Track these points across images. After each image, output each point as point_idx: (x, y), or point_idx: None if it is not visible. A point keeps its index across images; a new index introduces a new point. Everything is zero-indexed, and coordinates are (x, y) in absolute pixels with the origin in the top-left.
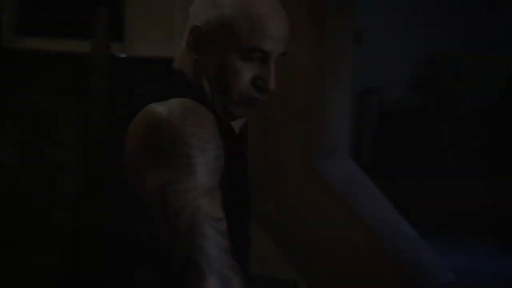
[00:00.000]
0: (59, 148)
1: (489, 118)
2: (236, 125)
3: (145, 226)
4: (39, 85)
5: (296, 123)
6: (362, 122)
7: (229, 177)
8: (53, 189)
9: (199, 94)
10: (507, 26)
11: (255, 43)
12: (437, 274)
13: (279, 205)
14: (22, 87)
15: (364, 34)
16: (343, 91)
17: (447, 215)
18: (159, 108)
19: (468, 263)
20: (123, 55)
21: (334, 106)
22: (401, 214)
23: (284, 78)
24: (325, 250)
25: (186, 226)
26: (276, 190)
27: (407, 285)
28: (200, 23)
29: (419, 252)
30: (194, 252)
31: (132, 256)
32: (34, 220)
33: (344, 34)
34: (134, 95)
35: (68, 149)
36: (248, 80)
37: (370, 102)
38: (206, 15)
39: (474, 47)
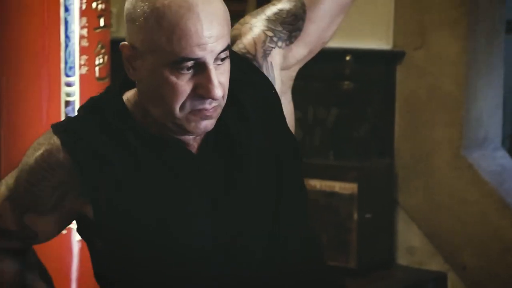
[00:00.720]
0: None
1: None
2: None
3: None
4: None
5: (445, 114)
6: None
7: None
8: None
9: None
10: None
11: (180, 53)
12: None
13: (427, 196)
14: None
15: None
16: (495, 81)
17: None
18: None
19: None
20: None
21: (485, 96)
22: None
23: (433, 69)
24: (475, 242)
25: None
26: (424, 181)
27: None
28: (127, 41)
29: None
30: None
31: None
32: None
33: (496, 24)
34: None
35: None
36: (188, 92)
37: None
38: (130, 30)
39: None
